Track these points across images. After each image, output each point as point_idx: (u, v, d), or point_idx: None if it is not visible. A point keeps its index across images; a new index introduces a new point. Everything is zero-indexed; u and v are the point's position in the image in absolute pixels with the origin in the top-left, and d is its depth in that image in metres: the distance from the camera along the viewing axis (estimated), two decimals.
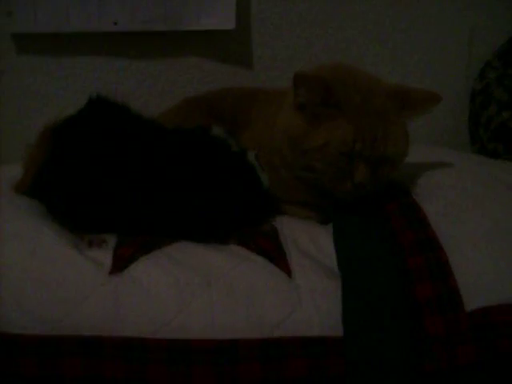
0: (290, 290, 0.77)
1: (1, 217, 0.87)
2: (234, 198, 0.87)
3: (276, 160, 0.96)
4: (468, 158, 1.19)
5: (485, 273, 0.77)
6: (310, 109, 0.89)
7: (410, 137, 0.94)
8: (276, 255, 0.82)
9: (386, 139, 0.88)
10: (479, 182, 0.95)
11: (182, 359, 0.71)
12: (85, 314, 0.74)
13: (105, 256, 0.81)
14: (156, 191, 0.85)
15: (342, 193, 0.91)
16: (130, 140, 0.89)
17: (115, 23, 1.29)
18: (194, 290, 0.76)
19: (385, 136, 0.88)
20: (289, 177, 0.95)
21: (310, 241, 0.88)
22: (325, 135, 0.88)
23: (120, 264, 0.79)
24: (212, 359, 0.71)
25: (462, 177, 0.97)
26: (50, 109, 1.35)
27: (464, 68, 1.44)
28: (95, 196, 0.87)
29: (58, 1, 1.28)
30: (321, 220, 0.95)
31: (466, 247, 0.80)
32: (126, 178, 0.86)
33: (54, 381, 0.72)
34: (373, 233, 0.87)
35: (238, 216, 0.87)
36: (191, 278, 0.77)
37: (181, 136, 0.89)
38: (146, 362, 0.71)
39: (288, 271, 0.80)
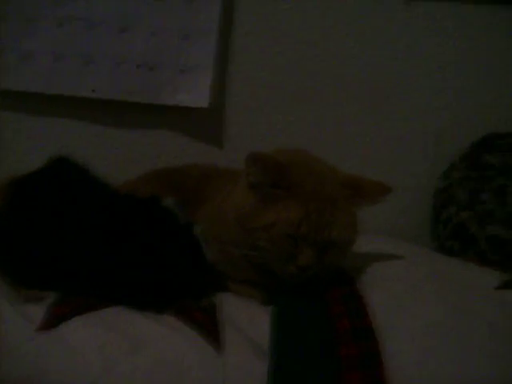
0: (217, 366, 0.76)
1: None
2: (176, 270, 0.87)
3: (225, 236, 0.97)
4: (421, 252, 1.21)
5: (414, 367, 0.76)
6: (260, 188, 0.91)
7: (357, 226, 0.96)
8: (208, 329, 0.82)
9: (333, 225, 0.90)
10: (427, 277, 0.97)
11: None
12: (6, 369, 0.73)
13: (37, 312, 0.81)
14: (99, 254, 0.86)
15: (286, 274, 0.92)
16: (83, 202, 0.91)
17: (93, 90, 1.34)
18: (120, 355, 0.75)
19: (332, 222, 0.90)
20: (235, 254, 0.96)
21: (247, 319, 0.88)
22: (272, 215, 0.89)
23: (51, 321, 0.79)
24: None
25: (411, 270, 0.99)
26: (24, 165, 1.37)
27: (429, 166, 1.49)
28: (38, 254, 0.87)
29: (43, 63, 1.33)
30: (263, 300, 0.95)
31: (401, 340, 0.80)
32: (71, 240, 0.87)
33: None
34: (310, 317, 0.88)
35: (178, 288, 0.87)
36: (119, 343, 0.77)
37: (131, 203, 0.90)
38: None
39: (217, 347, 0.79)
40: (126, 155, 1.40)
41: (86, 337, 0.77)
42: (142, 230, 0.87)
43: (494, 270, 1.08)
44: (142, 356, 0.76)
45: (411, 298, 0.89)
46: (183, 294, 0.88)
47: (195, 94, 1.34)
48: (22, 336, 0.76)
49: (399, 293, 0.90)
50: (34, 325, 0.78)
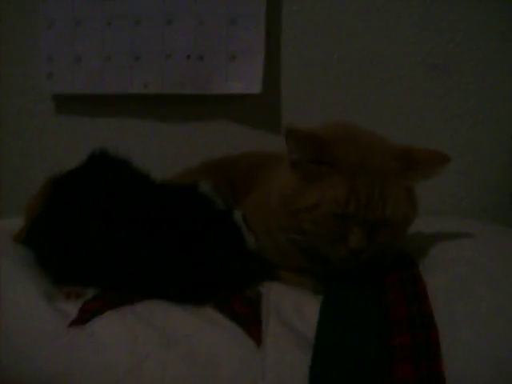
0: (256, 360, 0.70)
1: None
2: (215, 260, 0.81)
3: (270, 221, 0.91)
4: (496, 231, 1.06)
5: (477, 359, 0.65)
6: (302, 166, 0.83)
7: (416, 201, 0.86)
8: (249, 322, 0.76)
9: (385, 201, 0.80)
10: (497, 257, 0.84)
11: None
12: (36, 364, 0.70)
13: (73, 309, 0.78)
14: (136, 246, 0.82)
15: (337, 259, 0.84)
16: (121, 195, 0.87)
17: (145, 86, 1.32)
18: (150, 350, 0.70)
19: (383, 197, 0.80)
20: (282, 240, 0.89)
21: (294, 309, 0.81)
22: (316, 195, 0.82)
23: (84, 317, 0.76)
24: None
25: (479, 250, 0.86)
26: None
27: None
28: (80, 249, 0.85)
29: (93, 64, 1.34)
30: (315, 289, 0.87)
31: (462, 327, 0.69)
32: (110, 234, 0.84)
33: None
34: (362, 305, 0.78)
35: (218, 278, 0.81)
36: (150, 337, 0.72)
37: (168, 192, 0.85)
38: None
39: (258, 340, 0.72)
40: (183, 149, 1.38)
41: (117, 332, 0.73)
42: (179, 219, 0.82)
43: None
44: (173, 351, 0.70)
45: (477, 280, 0.77)
46: (225, 284, 0.83)
47: (247, 81, 1.28)
48: (54, 332, 0.73)
49: (464, 275, 0.79)
50: (65, 321, 0.75)
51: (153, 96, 1.34)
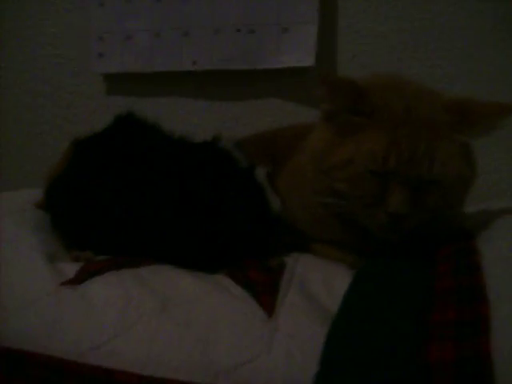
0: (263, 331, 0.58)
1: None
2: (232, 223, 0.71)
3: (303, 186, 0.79)
4: None
5: None
6: (337, 118, 0.72)
7: (474, 160, 0.72)
8: (263, 290, 0.65)
9: (432, 157, 0.67)
10: None
11: None
12: (23, 321, 0.63)
13: (74, 270, 0.71)
14: (147, 209, 0.74)
15: (375, 226, 0.71)
16: (138, 158, 0.80)
17: (194, 62, 1.25)
18: (143, 314, 0.61)
19: (430, 152, 0.67)
20: (317, 206, 0.77)
21: (323, 283, 0.69)
22: (350, 149, 0.70)
23: (81, 277, 0.69)
24: None
25: None
26: None
27: None
28: (94, 211, 0.79)
29: (142, 43, 1.29)
30: (353, 263, 0.74)
31: None
32: (124, 196, 0.77)
33: None
34: (403, 277, 0.65)
35: (235, 246, 0.71)
36: (146, 300, 0.63)
37: (185, 150, 0.77)
38: None
39: (270, 310, 0.61)
40: (235, 128, 1.29)
41: (110, 294, 0.64)
42: (195, 178, 0.73)
43: None
44: (168, 316, 0.61)
45: None
46: (244, 251, 0.72)
47: (300, 53, 1.18)
48: (45, 290, 0.66)
49: None
50: (60, 279, 0.68)
51: (202, 73, 1.27)
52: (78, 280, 0.68)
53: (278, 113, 1.26)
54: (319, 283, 0.68)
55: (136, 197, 0.76)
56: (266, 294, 0.64)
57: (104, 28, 1.31)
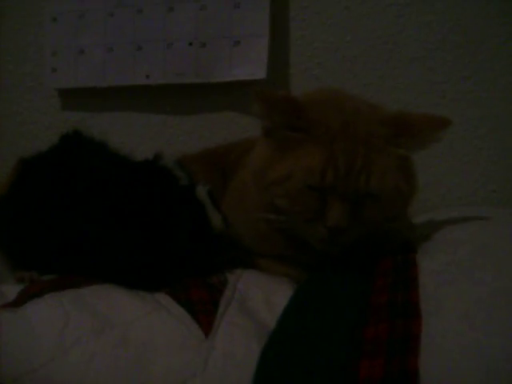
0: (200, 351, 0.58)
1: None
2: (173, 243, 0.71)
3: (247, 202, 0.80)
4: None
5: (466, 355, 0.50)
6: (276, 134, 0.73)
7: (413, 172, 0.73)
8: (202, 309, 0.65)
9: (369, 171, 0.68)
10: (504, 238, 0.69)
11: None
12: None
13: (15, 292, 0.70)
14: (86, 227, 0.74)
15: (316, 240, 0.72)
16: (81, 177, 0.79)
17: (147, 76, 1.26)
18: (81, 336, 0.61)
19: (366, 167, 0.68)
20: (259, 222, 0.78)
21: (264, 300, 0.70)
22: (288, 164, 0.71)
23: (20, 299, 0.68)
24: None
25: (489, 231, 0.72)
26: None
27: None
28: (37, 232, 0.78)
29: (95, 57, 1.29)
30: (299, 278, 0.75)
31: (452, 316, 0.55)
32: (69, 218, 0.76)
33: None
34: (341, 293, 0.66)
35: (176, 264, 0.71)
36: (84, 322, 0.62)
37: (126, 169, 0.77)
38: None
39: (207, 329, 0.61)
40: (188, 142, 1.29)
41: (48, 316, 0.63)
42: (135, 196, 0.73)
43: None
44: (105, 338, 0.60)
45: (480, 262, 0.63)
46: (185, 269, 0.72)
47: (252, 66, 1.19)
48: None
49: (464, 256, 0.65)
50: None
51: (156, 87, 1.27)
52: (17, 303, 0.67)
53: (233, 126, 1.26)
54: (260, 300, 0.69)
55: (77, 216, 0.76)
56: (204, 312, 0.64)
57: (57, 43, 1.30)
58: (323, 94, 0.77)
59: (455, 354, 0.50)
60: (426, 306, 0.58)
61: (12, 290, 0.71)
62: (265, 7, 1.18)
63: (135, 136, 1.31)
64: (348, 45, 1.20)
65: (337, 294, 0.66)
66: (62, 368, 0.58)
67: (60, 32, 1.30)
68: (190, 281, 0.71)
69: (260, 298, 0.69)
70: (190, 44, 1.22)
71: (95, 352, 0.59)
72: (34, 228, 0.78)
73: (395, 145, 0.70)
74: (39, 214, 0.78)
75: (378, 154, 0.69)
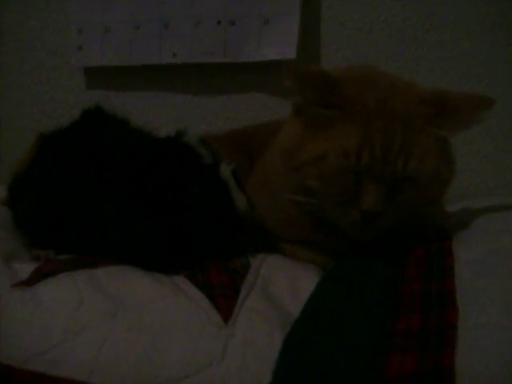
0: (218, 338, 0.55)
1: None
2: (193, 225, 0.68)
3: (274, 184, 0.76)
4: None
5: (504, 349, 0.46)
6: (307, 111, 0.68)
7: (452, 156, 0.68)
8: (222, 293, 0.61)
9: (408, 152, 0.63)
10: None
11: None
12: None
13: (30, 270, 0.67)
14: (105, 207, 0.71)
15: (348, 225, 0.68)
16: (99, 153, 0.76)
17: (174, 55, 1.22)
18: (93, 318, 0.58)
19: (406, 148, 0.63)
20: (288, 205, 0.74)
21: (288, 286, 0.65)
22: (322, 145, 0.66)
23: (34, 278, 0.65)
24: None
25: None
26: None
27: None
28: (54, 209, 0.75)
29: (122, 35, 1.26)
30: (325, 265, 0.71)
31: (490, 308, 0.50)
32: (82, 194, 0.73)
33: None
34: (371, 281, 0.61)
35: (196, 247, 0.68)
36: (97, 304, 0.59)
37: (146, 145, 0.73)
38: None
39: (227, 315, 0.58)
40: (215, 124, 1.25)
41: (61, 296, 0.61)
42: (154, 174, 0.69)
43: None
44: (118, 321, 0.57)
45: None
46: (205, 252, 0.68)
47: (281, 46, 1.14)
48: None
49: (506, 246, 0.59)
50: (12, 281, 0.64)
51: (182, 66, 1.24)
52: (30, 281, 0.64)
53: (261, 107, 1.23)
54: (283, 286, 0.65)
55: (96, 194, 0.72)
56: (224, 297, 0.60)
57: (83, 21, 1.28)
58: (356, 70, 0.73)
59: (495, 350, 0.46)
60: (461, 297, 0.53)
61: (26, 269, 0.68)
62: None
63: (160, 116, 1.29)
64: (381, 26, 1.15)
65: (365, 282, 0.61)
66: (72, 351, 0.55)
67: (86, 10, 1.28)
68: (210, 264, 0.68)
69: (284, 283, 0.65)
70: (219, 22, 1.19)
71: (108, 335, 0.56)
72: (52, 205, 0.75)
73: (436, 125, 0.65)
74: (58, 191, 0.75)
75: (417, 135, 0.64)
